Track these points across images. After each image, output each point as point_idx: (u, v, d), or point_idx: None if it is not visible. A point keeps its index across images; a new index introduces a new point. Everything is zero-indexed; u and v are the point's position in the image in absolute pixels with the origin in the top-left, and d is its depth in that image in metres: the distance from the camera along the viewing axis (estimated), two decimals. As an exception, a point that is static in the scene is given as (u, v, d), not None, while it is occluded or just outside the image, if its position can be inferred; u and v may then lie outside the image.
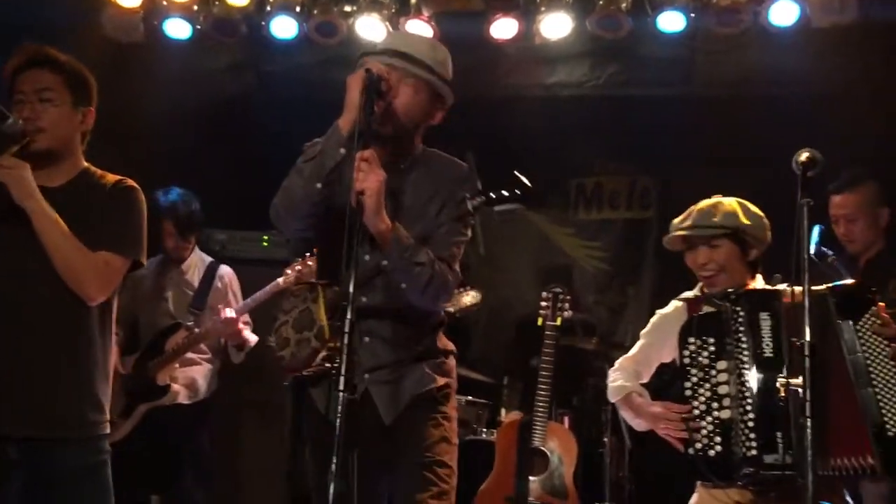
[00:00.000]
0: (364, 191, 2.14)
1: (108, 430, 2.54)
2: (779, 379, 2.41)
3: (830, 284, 2.59)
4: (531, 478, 4.13)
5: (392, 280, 2.30)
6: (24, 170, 2.38)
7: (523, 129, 5.09)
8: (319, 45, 4.52)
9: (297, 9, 4.51)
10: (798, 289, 2.53)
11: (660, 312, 2.94)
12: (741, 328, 2.52)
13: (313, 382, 2.39)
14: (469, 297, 4.40)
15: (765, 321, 2.50)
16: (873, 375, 2.41)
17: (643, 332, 2.97)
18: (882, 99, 3.88)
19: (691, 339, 2.63)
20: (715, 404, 2.53)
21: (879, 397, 2.39)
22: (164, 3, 4.50)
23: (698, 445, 2.55)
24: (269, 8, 4.51)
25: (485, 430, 4.93)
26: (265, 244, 4.97)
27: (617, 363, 2.99)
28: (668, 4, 4.11)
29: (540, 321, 4.27)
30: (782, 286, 2.69)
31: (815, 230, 3.34)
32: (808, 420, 2.00)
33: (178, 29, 4.57)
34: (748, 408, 2.45)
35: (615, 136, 5.44)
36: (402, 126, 2.37)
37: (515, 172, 2.29)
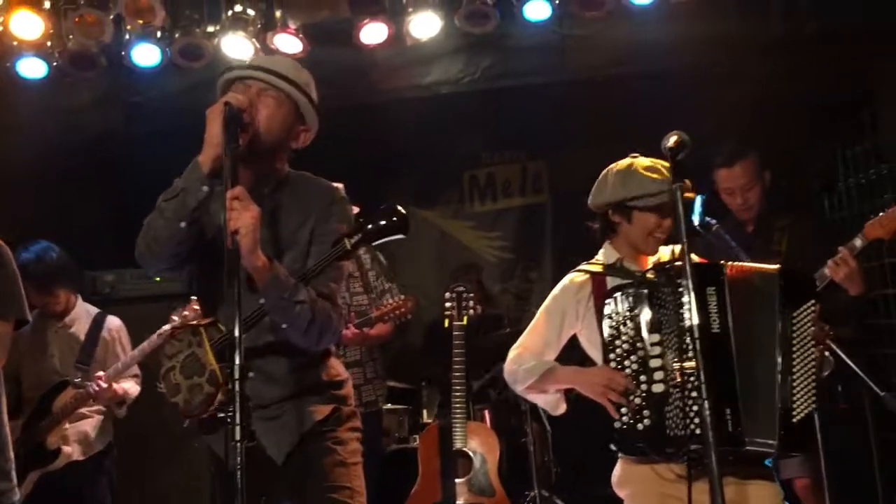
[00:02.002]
0: (239, 230, 2.07)
1: (17, 497, 2.48)
2: (686, 363, 2.41)
3: (780, 267, 2.59)
4: (457, 480, 4.13)
5: (272, 320, 2.24)
6: None
7: (408, 130, 5.06)
8: (185, 70, 4.36)
9: (158, 34, 4.33)
10: (745, 265, 2.62)
11: (561, 285, 2.84)
12: (682, 301, 2.42)
13: (207, 429, 2.31)
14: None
15: (711, 296, 2.46)
16: (795, 364, 2.47)
17: (544, 308, 2.85)
18: (742, 67, 4.00)
19: (614, 312, 2.57)
20: (644, 377, 2.50)
21: (795, 384, 2.45)
22: (14, 42, 4.25)
23: (626, 419, 2.51)
24: (127, 37, 4.31)
25: (408, 436, 4.91)
26: (158, 280, 4.81)
27: (517, 348, 2.85)
28: (533, -7, 4.13)
29: (446, 323, 4.26)
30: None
31: (698, 200, 3.42)
32: (706, 402, 2.02)
33: (31, 68, 4.32)
34: (690, 384, 2.38)
35: (500, 127, 5.49)
36: (262, 142, 2.29)
37: (395, 205, 2.21)
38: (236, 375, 1.90)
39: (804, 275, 2.67)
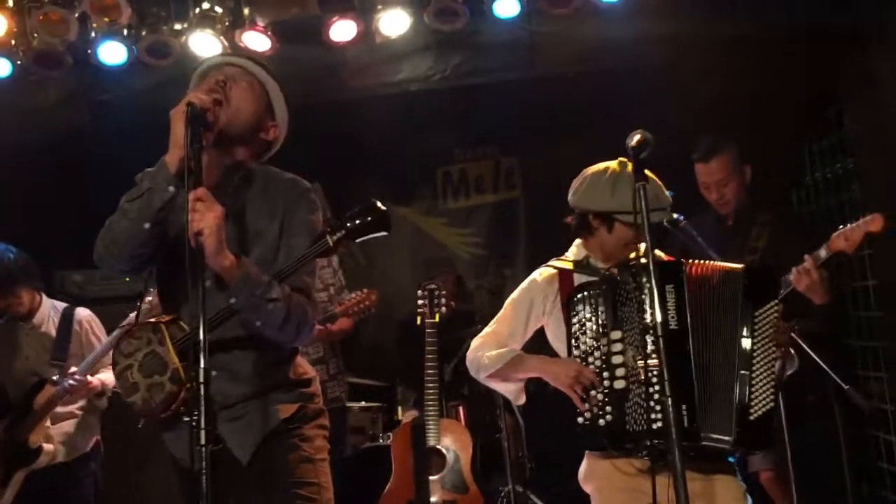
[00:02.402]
0: (202, 231, 2.05)
1: None
2: (647, 360, 2.45)
3: (745, 266, 2.62)
4: (430, 477, 4.14)
5: (243, 319, 2.22)
6: None
7: (379, 128, 5.07)
8: (152, 68, 4.32)
9: (125, 32, 4.29)
10: (708, 263, 2.63)
11: (530, 279, 2.86)
12: (644, 297, 2.47)
13: (167, 426, 2.29)
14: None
15: (670, 293, 2.50)
16: (755, 363, 2.51)
17: (511, 299, 2.87)
18: (709, 64, 4.04)
19: (579, 308, 2.60)
20: (606, 373, 2.52)
21: (753, 383, 2.50)
22: (-23, 42, 4.19)
23: (588, 415, 2.54)
24: (93, 34, 4.26)
25: (382, 433, 4.92)
26: (127, 280, 4.77)
27: (481, 337, 2.86)
28: (501, -9, 4.13)
29: (419, 320, 4.27)
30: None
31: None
32: (669, 399, 2.04)
33: (-5, 67, 4.28)
34: (652, 380, 2.42)
35: (471, 124, 5.50)
36: (231, 129, 2.28)
37: (376, 202, 2.20)
38: (201, 379, 1.88)
39: (769, 274, 2.69)
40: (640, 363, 2.46)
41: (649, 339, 2.46)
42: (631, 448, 2.50)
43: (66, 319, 4.06)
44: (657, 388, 2.37)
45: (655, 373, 2.40)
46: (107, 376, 3.96)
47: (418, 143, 5.52)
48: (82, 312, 4.13)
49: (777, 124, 4.62)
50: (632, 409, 2.46)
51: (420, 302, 4.30)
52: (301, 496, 2.28)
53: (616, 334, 2.53)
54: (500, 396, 4.59)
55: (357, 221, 2.18)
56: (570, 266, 2.79)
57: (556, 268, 2.81)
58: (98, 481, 4.08)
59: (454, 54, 4.44)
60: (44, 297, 4.13)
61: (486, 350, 2.80)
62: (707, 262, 2.68)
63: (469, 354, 2.86)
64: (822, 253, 3.15)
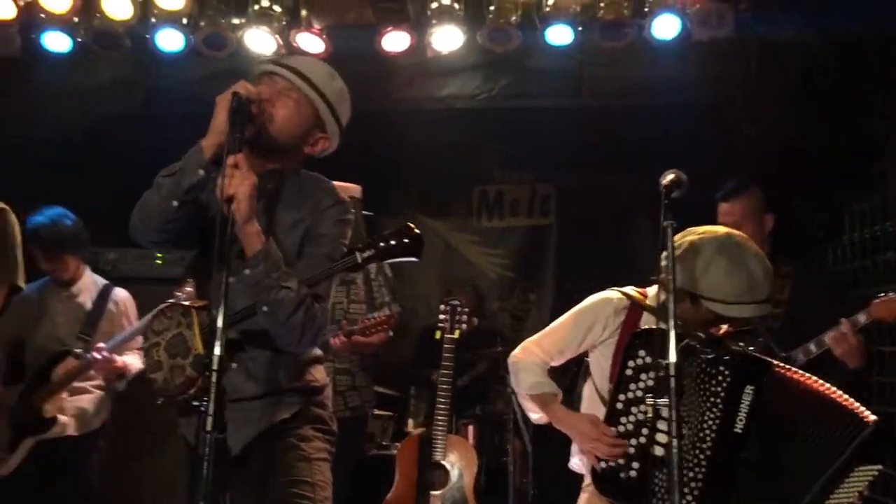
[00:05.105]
0: (235, 195, 2.06)
1: None
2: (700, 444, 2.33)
3: (878, 420, 2.37)
4: (432, 492, 4.13)
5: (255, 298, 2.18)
6: None
7: (421, 141, 5.11)
8: (208, 59, 4.41)
9: (184, 21, 4.39)
10: (819, 386, 2.38)
11: (600, 298, 2.72)
12: (716, 388, 2.31)
13: (183, 411, 2.31)
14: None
15: (747, 395, 2.32)
16: None
17: (574, 313, 2.73)
18: (756, 109, 4.03)
19: (641, 353, 2.43)
20: (645, 430, 2.39)
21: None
22: (42, 14, 4.30)
23: (612, 463, 2.44)
24: (153, 20, 4.37)
25: (389, 443, 4.93)
26: (158, 262, 4.84)
27: (525, 347, 2.76)
28: (556, 18, 4.16)
29: (438, 334, 4.27)
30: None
31: None
32: (674, 440, 2.01)
33: (57, 42, 4.38)
34: (699, 473, 2.29)
35: (512, 146, 5.54)
36: (273, 140, 2.28)
37: (412, 227, 2.18)
38: (214, 365, 1.91)
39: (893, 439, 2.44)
40: (686, 444, 2.31)
41: (706, 427, 2.33)
42: None
43: (103, 296, 4.06)
44: (691, 475, 2.27)
45: (698, 462, 2.30)
46: (132, 360, 3.95)
47: (458, 160, 5.57)
48: (121, 293, 4.13)
49: (818, 177, 4.59)
50: (660, 481, 2.35)
51: (441, 317, 4.31)
52: (296, 494, 2.28)
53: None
54: (510, 421, 4.60)
55: (391, 242, 2.16)
56: (644, 302, 2.64)
57: (629, 298, 2.67)
58: (102, 459, 4.05)
59: (502, 76, 4.49)
60: (87, 269, 4.14)
61: (532, 360, 2.74)
62: (812, 380, 2.44)
63: (514, 358, 2.79)
64: (862, 318, 3.08)
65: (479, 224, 6.22)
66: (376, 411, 5.06)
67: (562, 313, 2.81)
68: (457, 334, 4.25)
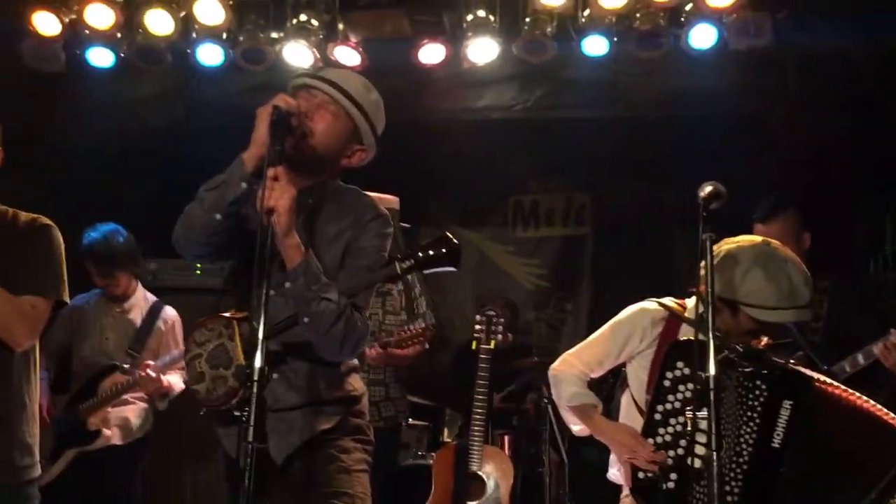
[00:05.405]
0: (275, 207, 2.08)
1: (38, 474, 2.52)
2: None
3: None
4: (469, 503, 4.13)
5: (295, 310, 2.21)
6: None
7: (456, 151, 5.13)
8: (246, 72, 4.48)
9: (224, 36, 4.47)
10: (864, 403, 2.35)
11: (638, 308, 2.72)
12: (753, 402, 2.30)
13: (222, 422, 2.34)
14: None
15: (785, 410, 2.29)
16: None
17: (613, 325, 2.74)
18: (795, 119, 3.99)
19: (680, 364, 2.42)
20: (683, 441, 2.38)
21: None
22: (86, 31, 4.41)
23: (650, 474, 2.43)
24: (194, 35, 4.46)
25: (425, 452, 4.93)
26: (198, 273, 4.92)
27: (565, 360, 2.78)
28: (592, 29, 4.17)
29: (474, 345, 4.28)
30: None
31: None
32: (714, 454, 1.99)
33: (100, 57, 4.50)
34: (735, 486, 2.27)
35: (548, 156, 5.53)
36: (312, 152, 2.30)
37: (451, 237, 2.19)
38: (255, 376, 1.93)
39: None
40: (723, 457, 2.25)
41: (743, 441, 2.31)
42: None
43: (153, 313, 4.11)
44: (728, 488, 2.25)
45: (734, 476, 2.29)
46: (176, 381, 3.99)
47: (493, 171, 5.58)
48: (170, 312, 4.19)
49: (860, 187, 4.53)
50: (698, 493, 2.32)
51: (477, 327, 4.31)
52: None
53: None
54: (546, 432, 4.58)
55: (429, 252, 2.18)
56: (682, 313, 2.63)
57: (667, 309, 2.67)
58: (144, 470, 4.11)
59: (538, 86, 4.50)
60: (139, 284, 4.21)
61: (572, 372, 2.76)
62: (855, 395, 2.40)
63: (554, 370, 2.81)
64: None
65: (514, 234, 6.20)
66: (412, 421, 5.07)
67: (598, 323, 2.83)
68: (492, 345, 4.25)
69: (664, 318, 2.66)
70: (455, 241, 2.21)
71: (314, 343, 2.25)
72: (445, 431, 5.42)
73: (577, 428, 2.82)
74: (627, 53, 4.21)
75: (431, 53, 4.39)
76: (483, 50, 4.33)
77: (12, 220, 2.54)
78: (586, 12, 4.14)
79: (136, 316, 4.11)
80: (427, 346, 3.99)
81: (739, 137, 4.26)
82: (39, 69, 4.44)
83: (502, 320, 4.32)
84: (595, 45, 4.20)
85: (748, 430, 2.33)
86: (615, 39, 4.17)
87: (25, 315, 2.42)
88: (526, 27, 4.20)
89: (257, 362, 1.94)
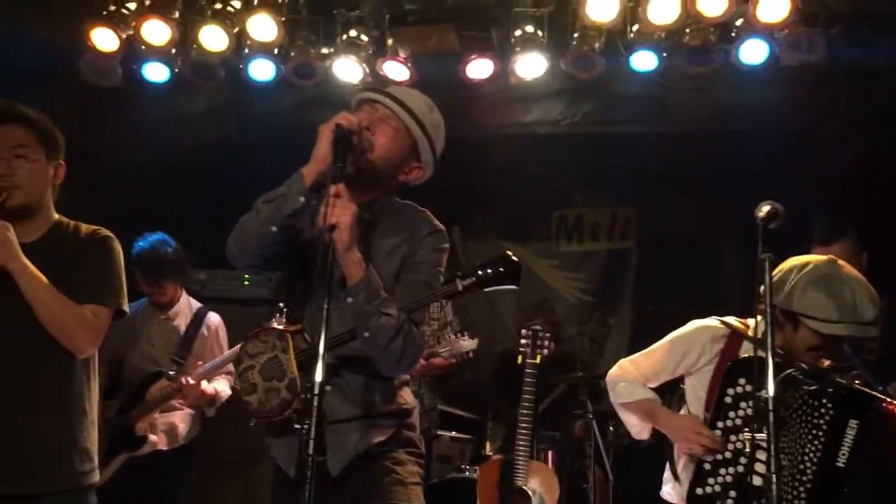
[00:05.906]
0: (336, 225, 2.11)
1: (96, 479, 2.57)
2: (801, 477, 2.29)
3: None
4: (514, 517, 4.13)
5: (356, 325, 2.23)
6: (6, 230, 2.41)
7: (502, 166, 5.14)
8: (297, 87, 4.55)
9: (275, 51, 4.54)
10: None
11: (698, 325, 2.74)
12: (818, 421, 2.29)
13: (273, 433, 2.36)
14: (467, 343, 4.38)
15: (851, 429, 2.29)
16: None
17: (671, 339, 2.77)
18: (846, 135, 3.95)
19: (741, 381, 2.43)
20: (743, 459, 2.39)
21: None
22: (143, 47, 4.51)
23: (709, 490, 2.44)
24: (246, 51, 4.55)
25: (468, 466, 4.93)
26: (246, 283, 5.00)
27: (621, 365, 2.83)
28: (641, 44, 4.17)
29: (520, 359, 4.28)
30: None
31: None
32: (774, 476, 1.97)
33: (156, 73, 4.60)
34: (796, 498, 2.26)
35: (594, 171, 5.51)
36: (372, 166, 2.32)
37: (511, 255, 2.21)
38: (316, 390, 1.96)
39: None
40: (785, 476, 2.29)
41: (807, 460, 2.30)
42: None
43: (198, 320, 4.20)
44: None
45: (797, 495, 2.28)
46: (222, 387, 4.06)
47: (539, 185, 5.58)
48: (214, 318, 4.27)
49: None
50: None
51: (523, 341, 4.32)
52: None
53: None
54: (590, 447, 4.56)
55: (489, 271, 2.19)
56: (745, 331, 2.63)
57: (729, 327, 2.67)
58: (190, 476, 4.18)
59: (586, 102, 4.50)
60: (184, 292, 4.30)
61: (629, 375, 2.80)
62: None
63: (612, 375, 2.86)
64: None
65: (558, 248, 6.20)
66: (454, 433, 5.08)
67: (642, 338, 2.89)
68: (538, 359, 4.26)
69: (725, 336, 2.67)
70: (515, 259, 2.22)
71: (373, 357, 2.27)
72: (488, 445, 5.42)
73: (636, 429, 2.84)
74: (676, 69, 4.19)
75: (479, 68, 4.42)
76: (531, 65, 4.35)
77: (74, 232, 2.62)
78: (635, 27, 4.14)
79: (181, 323, 4.20)
80: (470, 355, 4.02)
81: (790, 153, 4.21)
82: (97, 84, 4.56)
83: (548, 335, 4.33)
84: (644, 61, 4.20)
85: (812, 448, 2.32)
86: (664, 55, 4.16)
87: (87, 323, 2.49)
88: (574, 42, 4.21)
89: (318, 376, 1.97)
